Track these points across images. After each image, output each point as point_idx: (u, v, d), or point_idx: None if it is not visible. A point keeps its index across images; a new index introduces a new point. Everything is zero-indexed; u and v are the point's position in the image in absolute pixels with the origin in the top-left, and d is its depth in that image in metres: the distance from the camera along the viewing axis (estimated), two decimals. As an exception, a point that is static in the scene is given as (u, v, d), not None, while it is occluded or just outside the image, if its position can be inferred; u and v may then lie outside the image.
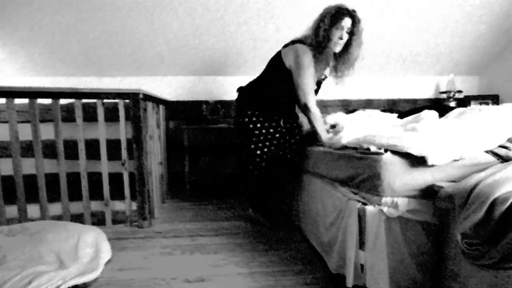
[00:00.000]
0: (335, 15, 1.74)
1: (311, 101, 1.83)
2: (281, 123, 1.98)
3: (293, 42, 1.88)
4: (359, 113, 1.98)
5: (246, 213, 2.18)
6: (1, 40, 2.63)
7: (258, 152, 1.96)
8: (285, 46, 1.92)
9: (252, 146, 1.96)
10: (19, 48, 2.70)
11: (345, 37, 1.78)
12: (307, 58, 1.80)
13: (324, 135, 1.78)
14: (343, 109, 3.11)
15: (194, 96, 3.14)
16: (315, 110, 1.83)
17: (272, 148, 1.97)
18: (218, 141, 2.80)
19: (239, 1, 2.45)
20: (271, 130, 1.96)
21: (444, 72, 3.30)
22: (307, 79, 1.82)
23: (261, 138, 1.96)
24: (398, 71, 3.26)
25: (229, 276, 1.45)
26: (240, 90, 2.11)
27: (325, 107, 3.18)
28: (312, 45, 1.81)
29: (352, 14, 1.76)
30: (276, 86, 1.94)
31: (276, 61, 1.93)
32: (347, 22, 1.75)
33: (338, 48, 1.82)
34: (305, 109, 1.85)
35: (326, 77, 2.04)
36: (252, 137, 1.96)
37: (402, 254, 1.14)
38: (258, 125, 1.95)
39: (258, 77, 2.05)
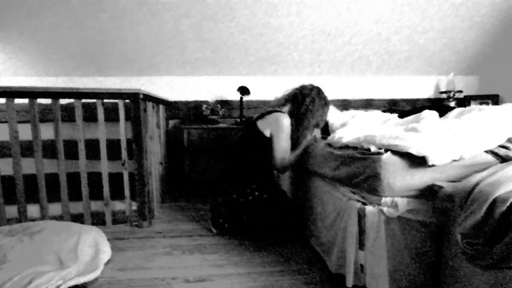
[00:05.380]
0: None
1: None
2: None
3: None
4: (352, 113, 1.99)
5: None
6: (1, 40, 2.63)
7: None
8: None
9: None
10: (19, 48, 2.70)
11: None
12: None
13: (305, 144, 1.88)
14: (343, 109, 3.11)
15: (194, 96, 3.14)
16: (290, 159, 1.88)
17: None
18: (218, 141, 2.80)
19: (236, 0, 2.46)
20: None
21: (444, 72, 3.30)
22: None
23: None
24: (398, 71, 3.27)
25: (229, 276, 1.45)
26: (241, 90, 2.09)
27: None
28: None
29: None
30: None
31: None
32: None
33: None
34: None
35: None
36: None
37: (402, 254, 1.14)
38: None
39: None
